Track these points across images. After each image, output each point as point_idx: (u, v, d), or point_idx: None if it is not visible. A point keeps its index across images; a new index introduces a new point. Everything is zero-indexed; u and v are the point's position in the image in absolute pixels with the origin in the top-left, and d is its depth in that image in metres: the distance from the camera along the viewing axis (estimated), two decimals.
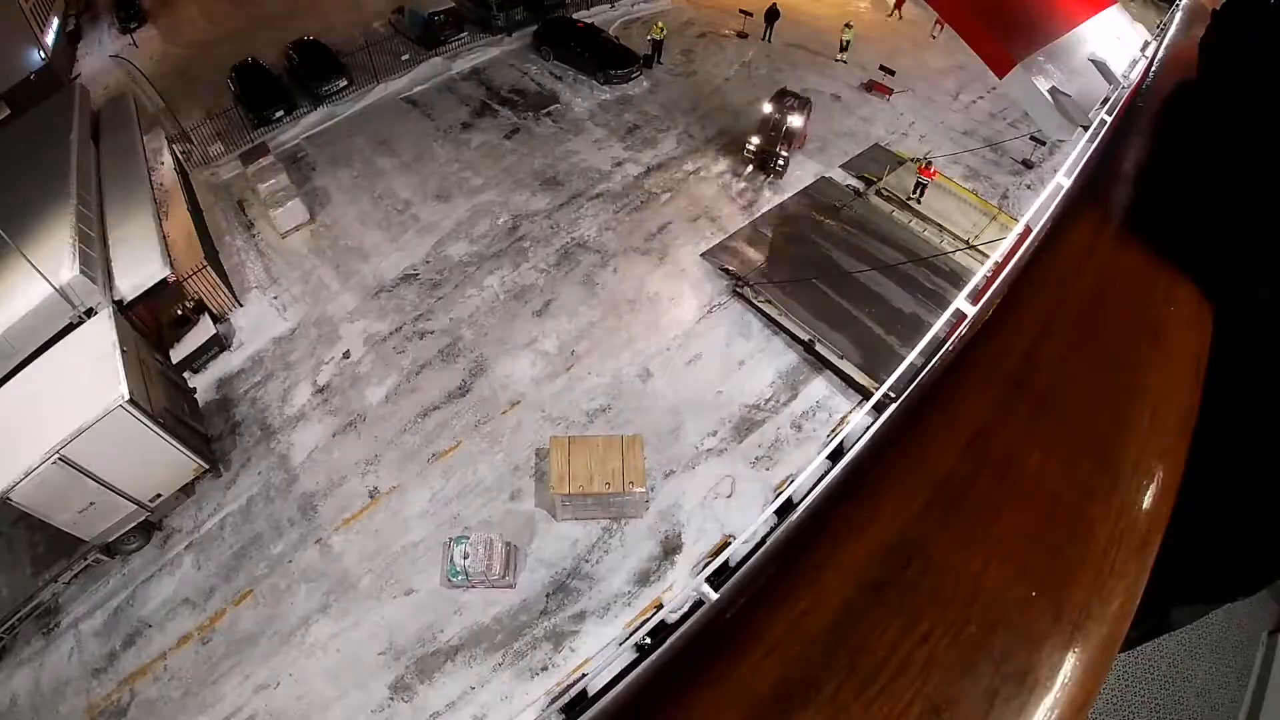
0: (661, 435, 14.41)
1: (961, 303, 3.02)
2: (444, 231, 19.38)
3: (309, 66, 24.86)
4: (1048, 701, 0.69)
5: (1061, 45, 8.53)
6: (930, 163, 18.59)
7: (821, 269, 17.23)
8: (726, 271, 17.25)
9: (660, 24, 25.62)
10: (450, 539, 12.95)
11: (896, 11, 30.18)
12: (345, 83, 24.53)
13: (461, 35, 26.59)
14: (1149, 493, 0.79)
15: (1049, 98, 8.31)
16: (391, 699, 12.22)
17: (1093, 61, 7.94)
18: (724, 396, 15.12)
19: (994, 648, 0.69)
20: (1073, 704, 0.71)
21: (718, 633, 0.72)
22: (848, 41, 25.49)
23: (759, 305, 16.48)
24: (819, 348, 15.52)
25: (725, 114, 22.73)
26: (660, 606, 12.45)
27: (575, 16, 26.53)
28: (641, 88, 23.89)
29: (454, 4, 26.91)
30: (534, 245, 18.70)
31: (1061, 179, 3.22)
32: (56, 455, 12.57)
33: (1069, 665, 0.71)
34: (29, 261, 14.60)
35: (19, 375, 14.55)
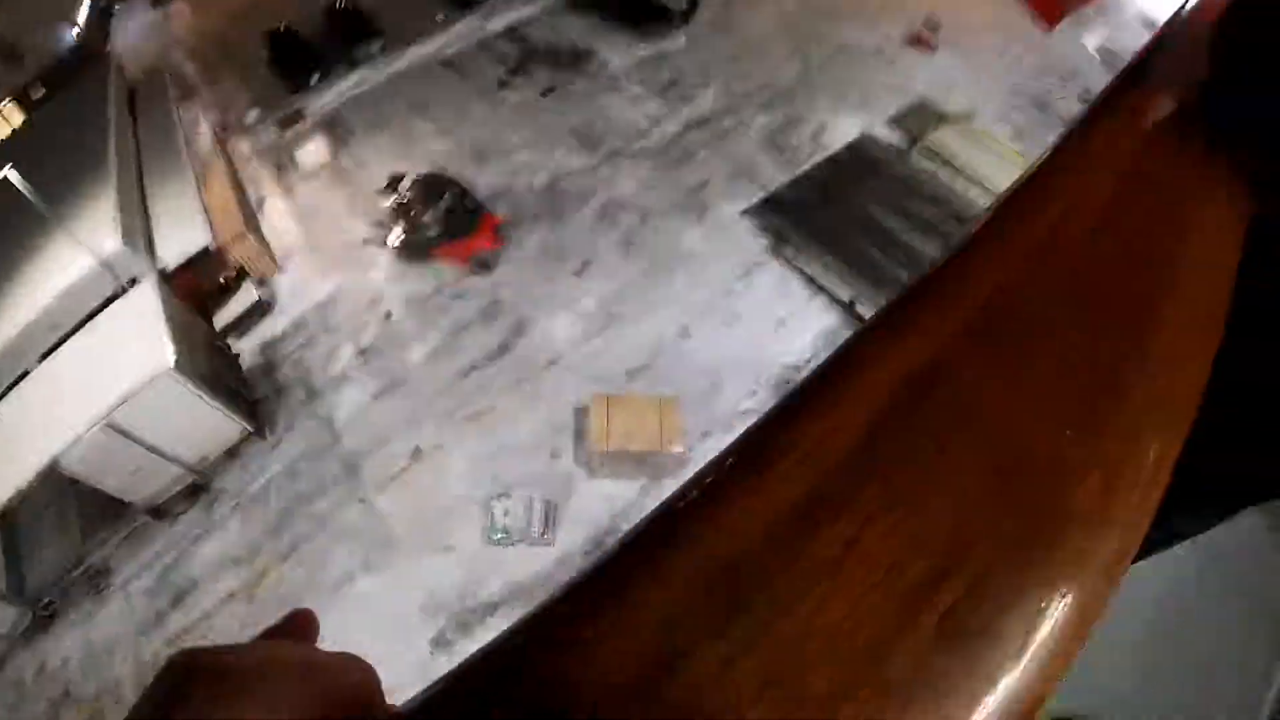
0: (701, 395, 14.25)
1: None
2: (482, 194, 19.20)
3: (343, 30, 24.70)
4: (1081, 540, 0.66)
5: None
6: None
7: (865, 228, 16.80)
8: (766, 230, 16.91)
9: None
10: (491, 497, 13.03)
11: None
12: (380, 45, 24.38)
13: None
14: (1178, 373, 0.79)
15: (1096, 56, 7.70)
16: (433, 653, 12.34)
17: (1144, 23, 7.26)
18: (764, 356, 14.87)
19: (1027, 481, 0.67)
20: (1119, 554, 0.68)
21: (756, 442, 0.70)
22: None
23: (799, 265, 16.15)
24: (859, 307, 15.18)
25: (765, 68, 22.08)
26: None
27: None
28: (679, 44, 23.31)
29: None
30: (572, 204, 18.50)
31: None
32: (104, 422, 12.80)
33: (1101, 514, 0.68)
34: (71, 235, 14.83)
35: (66, 345, 14.93)
